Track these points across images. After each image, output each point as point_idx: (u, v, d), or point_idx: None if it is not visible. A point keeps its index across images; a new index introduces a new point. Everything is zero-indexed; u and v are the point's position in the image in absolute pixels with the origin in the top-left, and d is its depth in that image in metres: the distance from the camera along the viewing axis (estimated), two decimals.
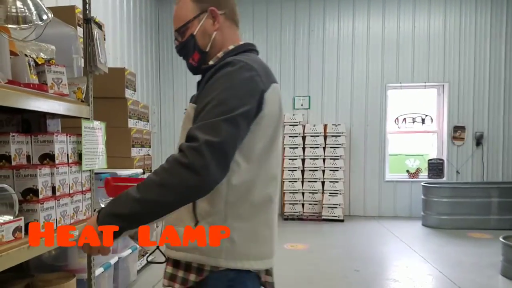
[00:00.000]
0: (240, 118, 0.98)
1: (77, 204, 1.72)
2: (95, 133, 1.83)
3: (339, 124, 6.41)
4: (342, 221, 6.15)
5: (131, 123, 3.68)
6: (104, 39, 1.91)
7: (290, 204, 6.38)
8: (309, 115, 6.75)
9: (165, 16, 6.89)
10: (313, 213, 6.33)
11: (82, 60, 1.82)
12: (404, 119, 6.77)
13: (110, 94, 3.42)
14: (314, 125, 6.43)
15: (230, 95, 1.00)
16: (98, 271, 2.02)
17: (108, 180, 1.29)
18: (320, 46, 6.68)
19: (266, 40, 6.71)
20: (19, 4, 1.15)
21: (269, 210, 1.14)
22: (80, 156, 1.73)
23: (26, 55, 1.52)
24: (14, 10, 1.14)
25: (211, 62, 1.20)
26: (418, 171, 6.78)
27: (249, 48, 1.22)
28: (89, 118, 1.81)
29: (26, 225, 1.42)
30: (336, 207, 6.19)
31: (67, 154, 1.64)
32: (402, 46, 6.56)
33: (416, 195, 6.45)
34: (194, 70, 1.26)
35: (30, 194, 1.45)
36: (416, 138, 7.01)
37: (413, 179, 6.69)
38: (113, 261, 2.64)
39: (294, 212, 6.36)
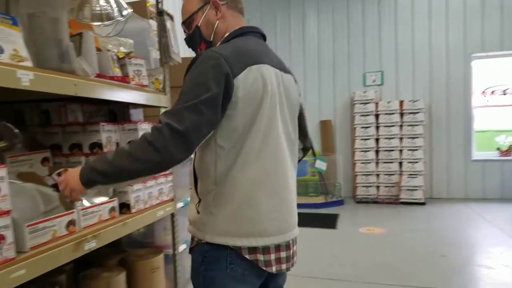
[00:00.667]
0: (203, 104, 1.04)
1: (161, 186, 1.86)
2: None
3: (417, 100, 6.00)
4: (423, 204, 5.82)
5: None
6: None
7: (363, 186, 6.18)
8: (383, 92, 6.43)
9: None
10: (390, 196, 6.06)
11: (157, 51, 1.94)
12: (493, 91, 6.14)
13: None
14: (389, 102, 6.10)
15: (193, 84, 1.08)
16: (182, 247, 2.17)
17: None
18: (392, 16, 6.29)
19: (332, 15, 6.49)
20: (102, 2, 1.26)
21: (255, 191, 1.15)
22: None
23: (108, 50, 1.66)
24: (98, 8, 1.26)
25: None
26: (510, 148, 6.13)
27: (244, 32, 1.26)
28: (167, 107, 1.92)
29: (120, 205, 1.57)
30: (416, 189, 5.86)
31: None
32: (487, 10, 5.90)
33: (509, 174, 5.88)
34: None
35: None
36: (508, 112, 6.31)
37: (505, 157, 6.08)
38: None
39: (368, 195, 6.16)
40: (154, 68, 1.92)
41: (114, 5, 1.28)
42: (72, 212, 1.28)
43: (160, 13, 1.78)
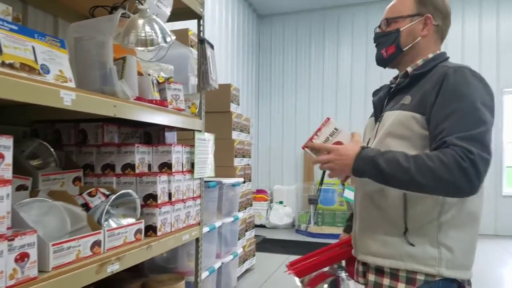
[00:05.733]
0: (491, 130, 1.03)
1: (188, 210, 1.84)
2: (206, 144, 1.96)
3: None
4: None
5: (235, 134, 3.85)
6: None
7: None
8: None
9: (265, 33, 7.15)
10: None
11: (195, 78, 1.98)
12: None
13: (218, 108, 3.64)
14: None
15: (482, 106, 1.03)
16: (204, 274, 2.13)
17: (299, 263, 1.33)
18: None
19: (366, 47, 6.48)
20: (147, 28, 1.29)
21: (480, 221, 1.13)
22: (192, 165, 1.86)
23: (149, 75, 1.70)
24: (143, 34, 1.29)
25: (409, 69, 1.22)
26: None
27: (446, 57, 1.23)
28: (201, 131, 1.94)
29: (146, 228, 1.56)
30: None
31: (182, 163, 1.78)
32: None
33: None
34: (382, 61, 1.30)
35: (150, 199, 1.60)
36: None
37: None
38: (216, 265, 2.77)
39: None
40: (191, 93, 1.95)
41: (158, 32, 1.31)
42: (99, 233, 1.27)
43: (202, 41, 1.83)
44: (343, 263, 1.38)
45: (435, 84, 1.10)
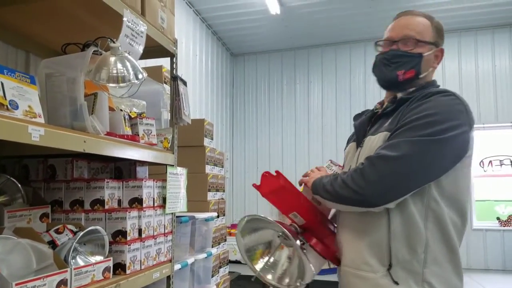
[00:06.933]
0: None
1: (159, 246, 1.80)
2: (178, 179, 1.96)
3: None
4: None
5: (208, 169, 3.85)
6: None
7: None
8: None
9: (239, 70, 7.37)
10: None
11: (168, 113, 2.01)
12: (490, 161, 6.19)
13: (191, 143, 3.65)
14: None
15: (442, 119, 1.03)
16: None
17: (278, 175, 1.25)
18: None
19: (335, 87, 6.74)
20: (119, 66, 1.32)
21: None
22: (164, 200, 1.85)
23: (121, 110, 1.71)
24: (115, 71, 1.32)
25: (399, 94, 1.18)
26: (510, 218, 6.04)
27: (437, 85, 1.23)
28: (173, 165, 1.94)
29: (114, 265, 1.52)
30: None
31: (153, 198, 1.76)
32: (482, 85, 6.18)
33: (510, 245, 5.72)
34: (392, 83, 1.21)
35: (119, 235, 1.57)
36: (506, 182, 6.32)
37: (505, 228, 5.96)
38: None
39: None
40: (164, 128, 1.97)
41: (130, 69, 1.34)
42: (65, 271, 1.23)
43: (174, 79, 1.88)
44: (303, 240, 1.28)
45: (417, 100, 1.09)
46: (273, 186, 1.23)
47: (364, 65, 6.66)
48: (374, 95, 6.59)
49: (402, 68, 1.16)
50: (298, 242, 1.21)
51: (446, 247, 1.04)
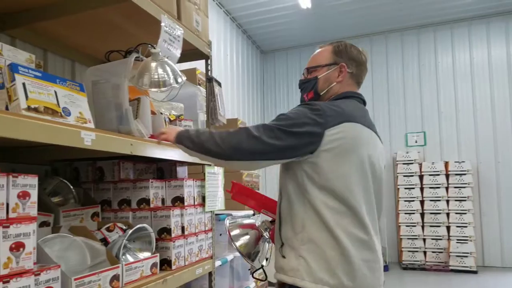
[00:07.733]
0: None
1: (201, 243, 1.86)
2: (216, 178, 2.01)
3: (463, 161, 5.76)
4: (475, 272, 5.36)
5: None
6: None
7: (408, 251, 5.79)
8: (426, 152, 6.26)
9: (268, 67, 7.36)
10: (438, 262, 5.63)
11: (204, 114, 2.06)
12: None
13: None
14: (433, 163, 5.89)
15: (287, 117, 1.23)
16: None
17: (235, 184, 1.53)
18: (433, 79, 6.30)
19: (371, 78, 6.60)
20: (160, 70, 1.38)
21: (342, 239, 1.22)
22: (203, 198, 1.91)
23: (161, 113, 1.78)
24: (156, 76, 1.38)
25: None
26: None
27: (348, 96, 1.37)
28: (211, 165, 1.99)
29: (161, 261, 1.59)
30: (466, 256, 5.43)
31: (194, 197, 1.83)
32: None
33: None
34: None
35: (164, 233, 1.64)
36: None
37: None
38: None
39: (415, 261, 5.74)
40: None
41: (170, 74, 1.40)
42: (117, 267, 1.30)
43: (209, 80, 1.93)
44: (269, 227, 1.50)
45: None
46: (233, 192, 1.53)
47: (402, 54, 6.47)
48: (413, 86, 6.40)
49: (305, 92, 1.45)
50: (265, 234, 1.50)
51: (322, 228, 1.21)
